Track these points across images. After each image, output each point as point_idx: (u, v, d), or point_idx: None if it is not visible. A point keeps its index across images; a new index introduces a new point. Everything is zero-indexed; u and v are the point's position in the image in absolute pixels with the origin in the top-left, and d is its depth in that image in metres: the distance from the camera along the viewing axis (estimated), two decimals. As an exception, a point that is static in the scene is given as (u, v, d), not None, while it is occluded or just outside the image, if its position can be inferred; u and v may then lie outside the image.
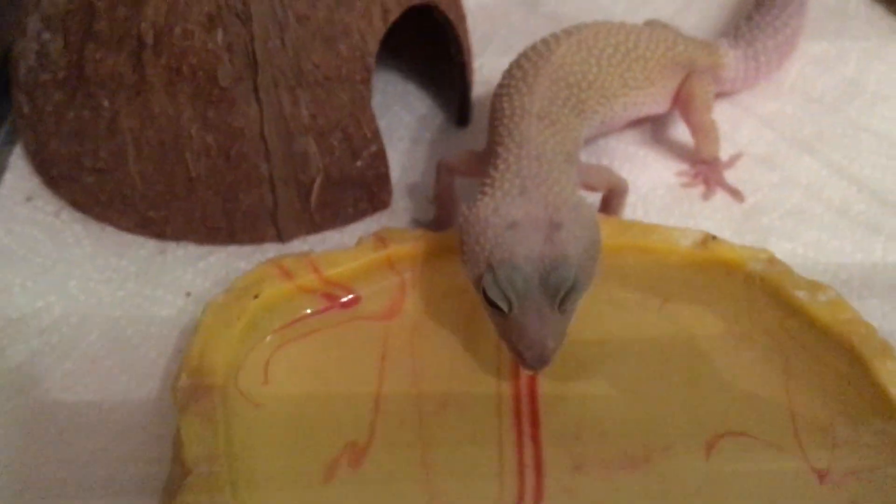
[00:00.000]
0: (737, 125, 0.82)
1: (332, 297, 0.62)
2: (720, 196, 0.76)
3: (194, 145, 0.68)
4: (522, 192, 0.58)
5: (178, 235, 0.72)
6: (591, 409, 0.58)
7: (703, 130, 0.76)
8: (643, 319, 0.63)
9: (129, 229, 0.73)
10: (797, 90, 0.86)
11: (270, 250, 0.73)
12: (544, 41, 0.71)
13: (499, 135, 0.64)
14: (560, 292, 0.54)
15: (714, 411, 0.58)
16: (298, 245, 0.73)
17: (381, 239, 0.64)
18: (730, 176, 0.77)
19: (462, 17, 0.80)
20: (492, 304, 0.55)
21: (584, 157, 0.73)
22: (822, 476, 0.54)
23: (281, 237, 0.73)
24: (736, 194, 0.76)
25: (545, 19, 0.95)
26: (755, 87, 0.85)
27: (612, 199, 0.70)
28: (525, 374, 0.59)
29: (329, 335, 0.61)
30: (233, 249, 0.73)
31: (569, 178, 0.61)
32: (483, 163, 0.68)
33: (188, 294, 0.69)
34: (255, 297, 0.59)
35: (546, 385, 0.59)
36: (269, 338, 0.60)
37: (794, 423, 0.57)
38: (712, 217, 0.75)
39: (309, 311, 0.61)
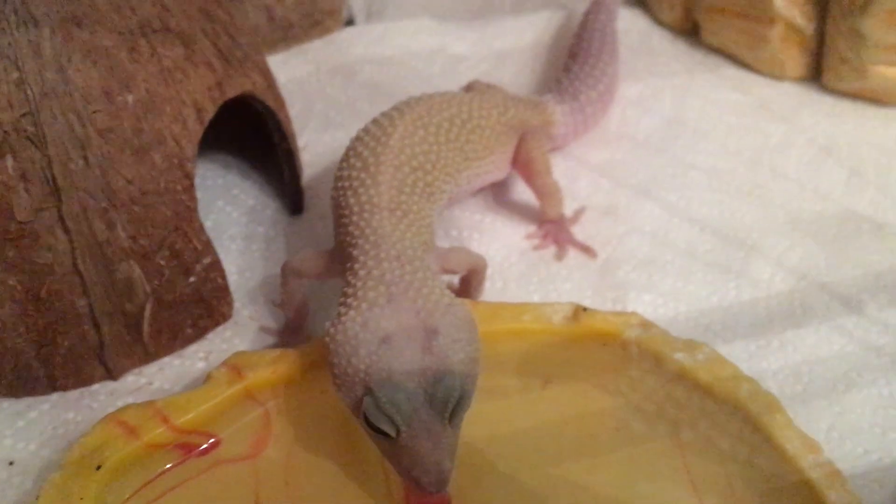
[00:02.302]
0: (574, 178, 0.82)
1: (188, 447, 0.55)
2: (573, 255, 0.75)
3: (-6, 291, 0.58)
4: (390, 300, 0.53)
5: (-12, 394, 0.62)
6: (497, 522, 0.54)
7: (548, 191, 0.74)
8: (529, 407, 0.60)
9: (-77, 395, 0.62)
10: (623, 136, 0.87)
11: (100, 392, 0.64)
12: (376, 123, 0.67)
13: (350, 234, 0.59)
14: (449, 406, 0.49)
15: (621, 495, 0.55)
16: (133, 380, 0.65)
17: (234, 369, 0.57)
18: (578, 232, 0.76)
19: (281, 103, 0.75)
20: (376, 430, 0.50)
21: (432, 233, 0.70)
22: (735, 545, 0.53)
23: (111, 375, 0.64)
24: (588, 251, 0.74)
25: (363, 89, 0.92)
26: (583, 137, 0.85)
27: (472, 279, 0.67)
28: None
29: (190, 490, 0.54)
30: (56, 398, 0.64)
31: (434, 275, 0.56)
32: (333, 262, 0.63)
33: (11, 463, 0.59)
34: (98, 467, 0.51)
35: None
36: (120, 511, 0.52)
37: (697, 493, 0.55)
38: (570, 278, 0.73)
39: (164, 467, 0.53)
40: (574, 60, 0.86)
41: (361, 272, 0.55)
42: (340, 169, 0.64)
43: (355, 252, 0.57)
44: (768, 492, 0.54)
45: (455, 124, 0.69)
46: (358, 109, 0.89)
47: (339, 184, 0.63)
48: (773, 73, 0.93)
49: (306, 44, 0.98)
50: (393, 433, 0.49)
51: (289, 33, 0.97)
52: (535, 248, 0.75)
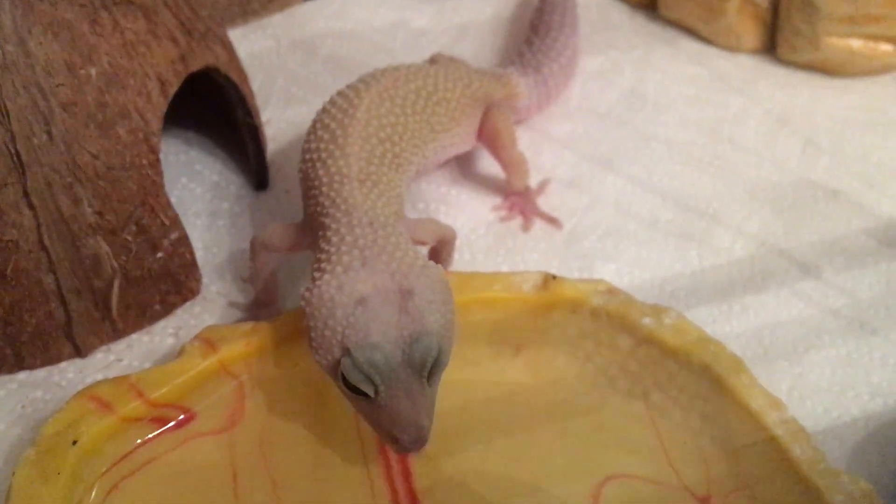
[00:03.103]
0: (537, 151, 0.82)
1: (162, 421, 0.55)
2: (539, 226, 0.75)
3: (-42, 269, 0.57)
4: (364, 263, 0.53)
5: (-48, 374, 0.61)
6: (472, 486, 0.54)
7: (514, 163, 0.75)
8: (501, 375, 0.61)
9: None
10: (584, 108, 0.88)
11: (69, 369, 0.64)
12: (342, 95, 0.67)
13: (320, 204, 0.59)
14: (426, 365, 0.50)
15: (590, 458, 0.57)
16: (102, 357, 0.64)
17: (207, 342, 0.57)
18: (543, 203, 0.77)
19: (244, 77, 0.74)
20: (354, 390, 0.50)
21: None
22: (705, 502, 0.54)
23: (80, 352, 0.63)
24: (553, 221, 0.75)
25: (325, 63, 0.91)
26: (546, 110, 0.85)
27: (441, 250, 0.67)
28: (396, 457, 0.55)
29: (167, 463, 0.54)
30: (24, 377, 0.63)
31: (407, 240, 0.57)
32: (303, 235, 0.62)
33: (-21, 443, 0.59)
34: (74, 442, 0.50)
35: (420, 470, 0.55)
36: (96, 486, 0.51)
37: (666, 455, 0.57)
38: (536, 248, 0.74)
39: (139, 441, 0.53)
40: (535, 34, 0.86)
41: (334, 238, 0.56)
42: (308, 141, 0.64)
43: (327, 220, 0.57)
44: (735, 449, 0.56)
45: (421, 96, 0.69)
46: (320, 84, 0.89)
47: (308, 156, 0.63)
48: (730, 45, 0.94)
49: (265, 18, 0.97)
50: (371, 393, 0.49)
51: (247, 7, 0.96)
52: (502, 219, 0.76)
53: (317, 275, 0.54)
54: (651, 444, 0.57)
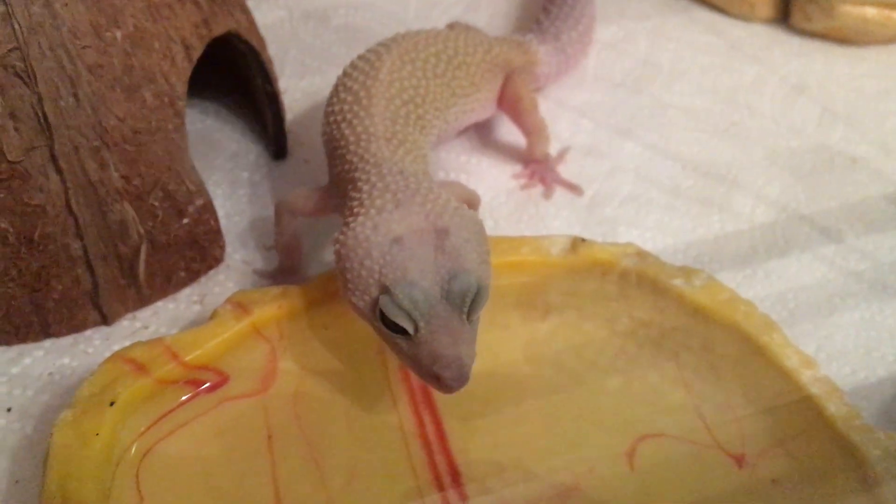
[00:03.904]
0: (554, 119, 0.82)
1: (196, 383, 0.54)
2: (560, 193, 0.75)
3: (-16, 234, 0.57)
4: (398, 205, 0.53)
5: (-22, 341, 0.60)
6: (507, 447, 0.54)
7: (536, 130, 0.75)
8: (530, 337, 0.61)
9: None
10: (600, 78, 0.88)
11: (94, 337, 0.63)
12: (363, 58, 0.67)
13: (349, 162, 0.59)
14: (466, 302, 0.50)
15: (624, 418, 0.57)
16: (128, 325, 0.64)
17: (240, 306, 0.57)
18: (562, 171, 0.77)
19: (263, 44, 0.73)
20: (393, 328, 0.49)
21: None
22: (739, 460, 0.55)
23: (106, 320, 0.63)
24: (574, 188, 0.75)
25: (338, 33, 0.91)
26: (562, 79, 0.85)
27: None
28: (430, 418, 0.55)
29: (202, 425, 0.54)
30: (49, 345, 0.62)
31: (437, 186, 0.57)
32: (329, 198, 0.62)
33: (9, 409, 0.58)
34: (112, 403, 0.50)
35: (455, 430, 0.55)
36: (133, 447, 0.51)
37: (699, 414, 0.57)
38: (558, 216, 0.74)
39: (175, 403, 0.53)
40: (552, 2, 0.86)
41: (365, 187, 0.55)
42: (331, 104, 0.64)
43: (357, 174, 0.57)
44: (769, 407, 0.56)
45: (441, 60, 0.68)
46: (334, 54, 0.88)
47: (332, 118, 0.63)
48: (743, 14, 0.94)
49: (277, -11, 0.96)
50: (411, 329, 0.49)
51: (258, -22, 0.95)
52: (523, 187, 0.76)
53: (350, 219, 0.54)
54: (684, 404, 0.57)
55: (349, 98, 0.63)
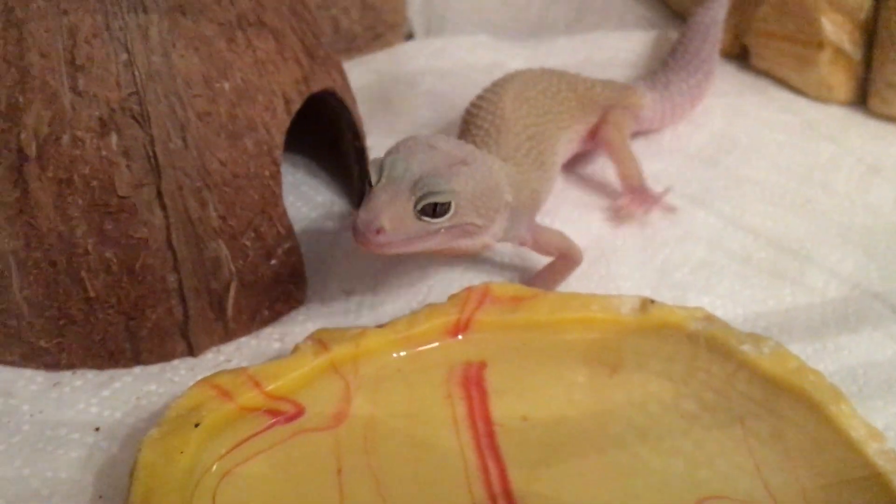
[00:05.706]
0: (629, 186, 0.84)
1: (275, 413, 0.57)
2: (633, 256, 0.77)
3: (91, 262, 0.61)
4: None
5: (75, 363, 0.64)
6: (568, 498, 0.55)
7: (628, 158, 0.79)
8: (596, 394, 0.62)
9: (12, 363, 0.65)
10: (675, 149, 0.90)
11: (181, 367, 0.67)
12: (483, 98, 0.73)
13: None
14: (423, 190, 0.57)
15: (686, 479, 0.57)
16: (212, 357, 0.67)
17: (320, 342, 0.59)
18: (637, 231, 0.79)
19: (355, 104, 0.78)
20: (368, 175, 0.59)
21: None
22: (803, 528, 0.54)
23: (192, 351, 0.67)
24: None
25: (424, 97, 0.95)
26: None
27: (559, 265, 0.70)
28: (494, 465, 0.56)
29: (276, 455, 0.56)
30: (138, 371, 0.66)
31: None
32: None
33: (97, 429, 0.62)
34: (197, 425, 0.53)
35: (519, 478, 0.56)
36: (214, 467, 0.54)
37: (762, 480, 0.57)
38: (630, 277, 0.75)
39: (255, 430, 0.56)
40: (672, 56, 0.91)
41: None
42: (461, 137, 0.71)
43: None
44: (834, 479, 0.56)
45: (547, 96, 0.75)
46: (419, 116, 0.93)
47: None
48: (820, 95, 0.96)
49: (368, 55, 1.02)
50: (374, 182, 0.58)
51: (352, 44, 1.01)
52: (620, 213, 0.79)
53: None
54: (747, 469, 0.57)
55: (479, 133, 0.70)
